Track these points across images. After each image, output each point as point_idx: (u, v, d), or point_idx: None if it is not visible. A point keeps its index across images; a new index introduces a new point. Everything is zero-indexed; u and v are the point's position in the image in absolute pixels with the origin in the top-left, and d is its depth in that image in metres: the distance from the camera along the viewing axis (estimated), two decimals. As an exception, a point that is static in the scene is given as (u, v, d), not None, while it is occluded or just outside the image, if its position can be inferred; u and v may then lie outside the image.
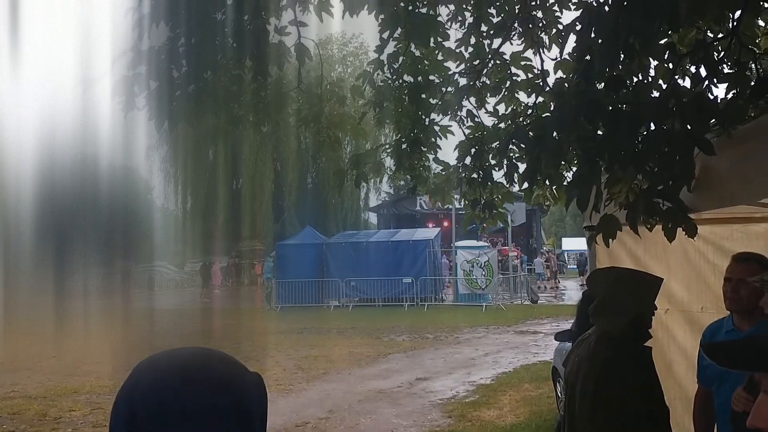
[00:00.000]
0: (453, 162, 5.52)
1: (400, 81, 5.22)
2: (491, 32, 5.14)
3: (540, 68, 5.03)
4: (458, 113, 5.38)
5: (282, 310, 25.08)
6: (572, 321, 5.15)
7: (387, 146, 5.61)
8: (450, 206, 28.90)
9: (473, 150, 5.27)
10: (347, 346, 15.71)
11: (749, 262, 3.31)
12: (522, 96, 5.26)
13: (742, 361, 1.20)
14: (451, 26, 5.23)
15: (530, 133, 3.62)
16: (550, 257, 37.99)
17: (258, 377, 1.14)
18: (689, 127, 2.65)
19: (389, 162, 6.36)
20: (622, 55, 2.90)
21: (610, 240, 3.19)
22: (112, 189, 35.65)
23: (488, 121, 5.36)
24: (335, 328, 19.23)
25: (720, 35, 3.41)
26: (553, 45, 5.03)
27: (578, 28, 2.94)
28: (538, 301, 26.23)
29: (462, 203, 5.91)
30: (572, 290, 31.62)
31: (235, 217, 39.04)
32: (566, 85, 3.63)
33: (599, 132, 2.96)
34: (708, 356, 1.22)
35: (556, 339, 7.08)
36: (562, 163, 4.08)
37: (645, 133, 2.80)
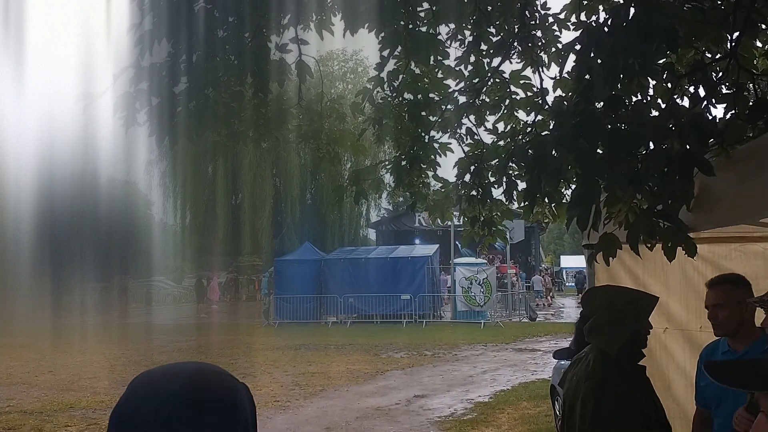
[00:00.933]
0: (452, 179, 5.53)
1: (400, 98, 5.25)
2: (491, 51, 5.17)
3: (539, 87, 5.07)
4: (458, 131, 5.39)
5: (280, 325, 25.01)
6: (571, 339, 5.15)
7: (386, 163, 5.61)
8: (449, 223, 28.89)
9: (472, 167, 5.27)
10: (345, 363, 15.64)
11: (721, 286, 3.35)
12: (521, 114, 5.29)
13: (741, 380, 1.21)
14: (450, 45, 5.26)
15: (529, 151, 3.62)
16: (545, 275, 38.06)
17: (247, 389, 1.15)
18: (688, 147, 2.66)
19: (388, 179, 6.38)
20: (622, 75, 2.92)
21: (610, 259, 3.19)
22: (111, 203, 35.66)
23: (487, 138, 5.40)
24: (333, 345, 19.17)
25: (718, 56, 3.43)
26: (552, 64, 5.07)
27: (577, 47, 2.95)
28: (537, 319, 26.19)
29: (461, 220, 5.93)
30: (570, 308, 31.57)
31: (234, 233, 39.04)
32: (565, 103, 3.64)
33: (598, 151, 2.96)
34: (709, 375, 1.23)
35: (554, 357, 7.07)
36: (561, 181, 4.13)
37: (644, 152, 2.80)
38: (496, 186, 5.26)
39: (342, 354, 17.32)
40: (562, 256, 62.56)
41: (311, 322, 25.16)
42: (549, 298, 35.62)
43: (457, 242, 26.80)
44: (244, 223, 39.16)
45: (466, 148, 5.41)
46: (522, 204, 4.79)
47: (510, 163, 4.82)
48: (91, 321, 29.13)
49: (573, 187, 3.50)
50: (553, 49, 5.06)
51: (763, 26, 3.89)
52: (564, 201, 4.20)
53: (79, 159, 33.03)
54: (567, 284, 50.08)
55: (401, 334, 21.40)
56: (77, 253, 33.56)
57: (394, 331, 22.23)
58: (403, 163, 5.38)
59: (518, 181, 4.79)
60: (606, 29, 2.83)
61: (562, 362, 8.04)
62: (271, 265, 30.04)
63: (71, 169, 33.81)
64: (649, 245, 2.97)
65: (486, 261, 30.77)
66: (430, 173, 5.57)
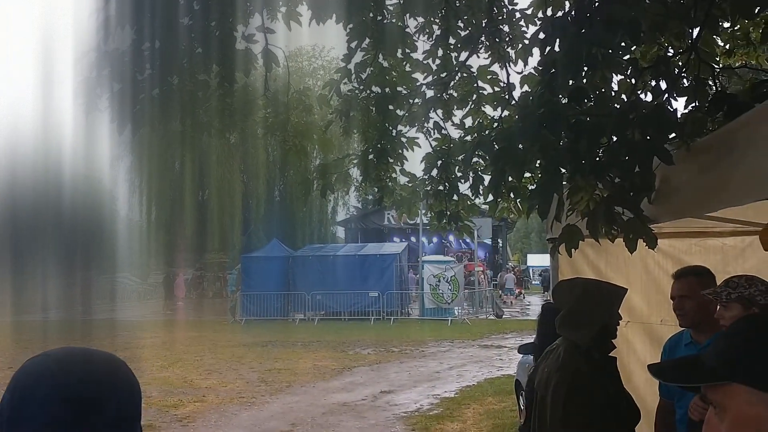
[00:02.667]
0: (419, 174, 5.55)
1: (368, 91, 5.23)
2: (458, 45, 5.18)
3: (506, 82, 5.09)
4: (425, 125, 5.40)
5: (247, 323, 24.82)
6: (535, 335, 5.19)
7: (353, 157, 5.60)
8: (418, 220, 28.68)
9: (439, 162, 5.30)
10: (312, 360, 15.59)
11: (686, 278, 3.39)
12: (488, 109, 5.30)
13: (683, 376, 1.22)
14: (419, 38, 5.27)
15: (495, 144, 3.63)
16: (517, 272, 38.45)
17: (133, 377, 1.20)
18: (649, 138, 2.69)
19: (356, 173, 6.36)
20: (585, 67, 2.95)
21: (573, 250, 3.22)
22: (75, 198, 34.98)
23: (455, 133, 5.42)
24: (300, 342, 19.08)
25: (680, 50, 3.48)
26: (519, 60, 5.09)
27: (542, 37, 2.97)
28: (503, 316, 26.38)
29: (429, 216, 5.93)
30: (537, 305, 31.86)
31: (200, 229, 38.58)
32: (531, 98, 3.67)
33: (561, 142, 2.97)
34: (654, 376, 1.24)
35: (519, 352, 7.11)
36: (526, 175, 4.15)
37: (606, 143, 2.83)
38: (462, 181, 5.30)
39: (309, 351, 17.26)
40: (528, 255, 63.22)
41: (278, 319, 25.01)
42: (517, 296, 36.00)
43: (423, 237, 26.91)
44: (212, 220, 38.73)
45: (434, 143, 5.43)
46: (488, 198, 4.82)
47: (476, 158, 4.82)
48: (53, 317, 28.60)
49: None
50: (520, 45, 5.09)
51: (725, 24, 3.97)
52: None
53: (42, 153, 32.35)
54: (533, 282, 50.54)
55: (369, 331, 21.39)
56: (40, 249, 32.90)
57: (361, 328, 22.19)
58: (371, 156, 5.37)
59: (484, 176, 4.80)
60: (569, 19, 2.84)
61: (527, 357, 8.11)
62: (239, 262, 29.80)
63: (33, 163, 33.10)
64: (610, 237, 3.00)
65: (454, 259, 30.94)
66: (398, 168, 5.56)
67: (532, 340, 5.95)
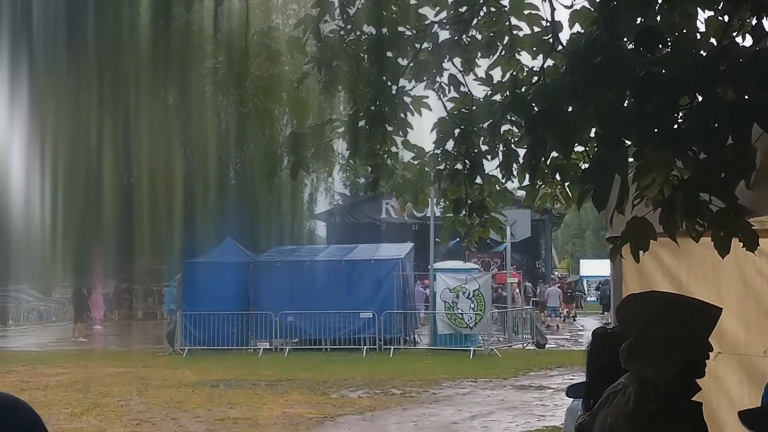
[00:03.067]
0: (429, 147, 5.54)
1: (357, 32, 5.21)
2: (484, -34, 5.18)
3: (550, 19, 5.08)
4: (437, 79, 5.40)
5: (190, 353, 24.88)
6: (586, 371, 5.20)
7: (338, 123, 5.60)
8: (427, 212, 28.83)
9: (457, 131, 5.32)
10: (281, 405, 15.62)
11: None
12: (525, 57, 5.29)
13: None
14: (427, -44, 5.26)
15: (533, 105, 3.64)
16: (561, 285, 38.54)
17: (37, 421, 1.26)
18: (747, 97, 2.69)
19: (341, 146, 6.35)
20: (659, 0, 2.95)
21: (642, 253, 3.20)
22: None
23: (478, 91, 5.39)
24: (264, 380, 19.11)
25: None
26: (569, -12, 5.08)
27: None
28: (546, 345, 26.43)
29: (442, 205, 5.93)
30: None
31: (126, 226, 38.34)
32: (584, 42, 3.67)
33: (626, 103, 2.97)
34: (747, 426, 1.25)
35: (568, 395, 7.12)
36: (577, 148, 4.15)
37: (688, 105, 2.83)
38: (489, 157, 5.30)
39: (277, 393, 17.28)
40: (581, 261, 63.24)
41: (234, 350, 25.08)
42: (565, 317, 36.12)
43: (437, 238, 26.91)
44: (141, 212, 38.45)
45: (450, 104, 5.43)
46: (524, 182, 4.83)
47: (507, 125, 4.84)
48: None
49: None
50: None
51: None
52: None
53: None
54: (588, 299, 50.69)
55: (360, 366, 21.44)
56: None
57: (350, 362, 22.26)
58: (361, 123, 5.38)
59: (519, 150, 4.84)
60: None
61: (579, 402, 8.13)
62: (179, 270, 29.79)
63: None
64: (693, 234, 3.01)
65: (479, 266, 30.97)
66: (399, 138, 5.57)
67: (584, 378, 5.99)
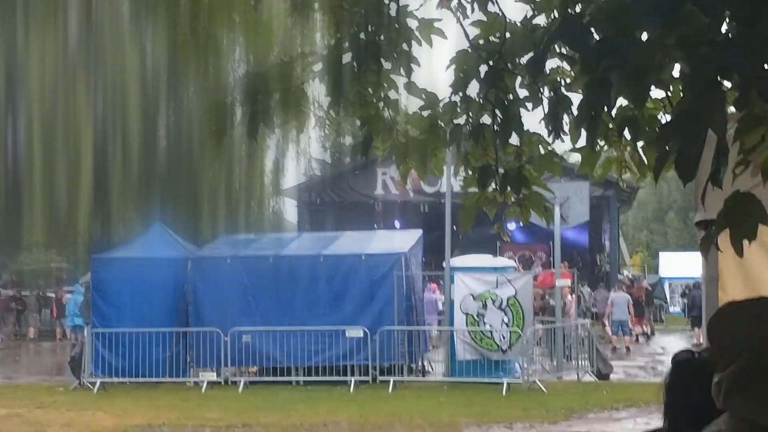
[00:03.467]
0: (443, 93, 5.61)
1: None
2: None
3: None
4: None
5: (104, 389, 24.98)
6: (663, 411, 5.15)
7: (313, 58, 5.60)
8: (440, 184, 29.04)
9: (484, 68, 5.34)
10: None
11: None
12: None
13: None
14: None
15: (592, 32, 3.60)
16: (633, 289, 38.55)
17: None
18: None
19: (318, 90, 6.31)
20: None
21: (746, 243, 3.22)
22: None
23: (515, 11, 5.40)
24: (210, 426, 19.18)
25: None
26: None
27: None
28: (610, 376, 26.48)
29: (462, 177, 5.90)
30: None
31: (9, 205, 38.30)
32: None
33: (722, 28, 2.91)
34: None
35: (641, 445, 7.14)
36: (653, 94, 4.10)
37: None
38: (528, 106, 5.33)
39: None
40: (661, 254, 63.21)
41: (167, 383, 25.21)
42: (638, 336, 36.16)
43: (454, 224, 26.94)
44: (31, 188, 38.26)
45: (473, 30, 5.46)
46: (577, 141, 4.78)
47: (556, 60, 4.86)
48: None
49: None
50: None
51: None
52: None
53: None
54: (671, 309, 50.88)
55: (347, 406, 21.55)
56: None
57: (332, 401, 22.36)
58: (347, 58, 5.43)
59: (573, 97, 4.85)
60: None
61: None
62: (87, 269, 29.84)
63: None
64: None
65: (515, 264, 30.97)
66: (400, 80, 5.63)
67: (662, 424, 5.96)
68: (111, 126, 39.78)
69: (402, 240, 28.25)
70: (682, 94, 3.11)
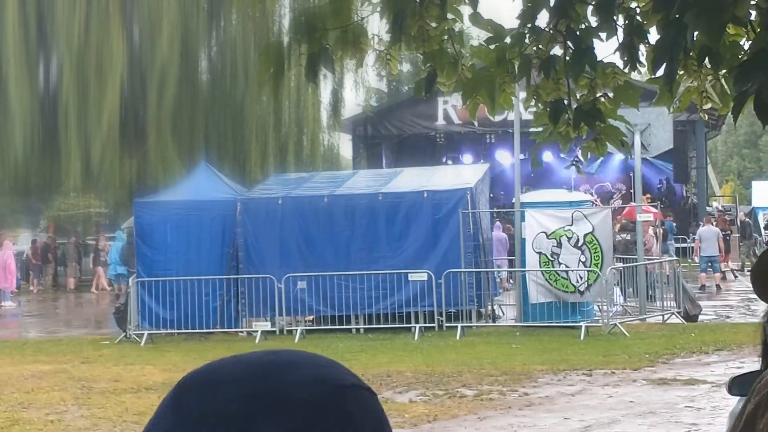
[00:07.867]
0: (510, 24, 5.65)
1: None
2: None
3: None
4: None
5: (152, 341, 25.20)
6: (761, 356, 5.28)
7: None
8: (507, 116, 28.73)
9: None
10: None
11: None
12: None
13: None
14: None
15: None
16: (722, 222, 37.88)
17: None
18: None
19: (378, 26, 6.36)
20: None
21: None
22: None
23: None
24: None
25: None
26: None
27: None
28: (700, 317, 26.38)
29: (533, 110, 5.97)
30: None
31: (43, 145, 38.07)
32: None
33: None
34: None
35: (731, 392, 7.27)
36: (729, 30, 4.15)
37: None
38: (602, 36, 5.41)
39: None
40: (755, 183, 61.98)
41: (218, 333, 25.39)
42: (726, 274, 35.62)
43: (524, 154, 26.81)
44: (66, 126, 37.99)
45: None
46: (656, 72, 4.83)
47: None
48: None
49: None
50: None
51: None
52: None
53: None
54: (765, 242, 50.14)
55: (411, 355, 21.63)
56: None
57: (395, 350, 22.46)
58: None
59: (648, 25, 4.88)
60: None
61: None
62: (129, 214, 29.83)
63: None
64: None
65: (593, 197, 30.63)
66: (466, 10, 5.69)
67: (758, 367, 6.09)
68: (148, 59, 39.41)
69: (467, 174, 28.06)
70: (761, 29, 3.16)
